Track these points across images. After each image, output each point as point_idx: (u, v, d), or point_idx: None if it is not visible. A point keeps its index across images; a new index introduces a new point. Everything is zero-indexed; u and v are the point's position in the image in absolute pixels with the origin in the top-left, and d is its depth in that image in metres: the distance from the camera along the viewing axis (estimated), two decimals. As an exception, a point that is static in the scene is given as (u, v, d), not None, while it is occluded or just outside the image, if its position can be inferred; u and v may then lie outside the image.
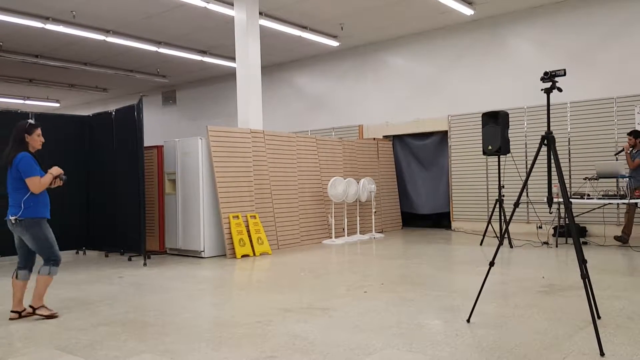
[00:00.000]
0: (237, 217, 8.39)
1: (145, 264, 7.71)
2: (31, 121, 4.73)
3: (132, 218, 7.99)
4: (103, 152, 8.65)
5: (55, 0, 9.61)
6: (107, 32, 11.42)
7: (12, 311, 4.66)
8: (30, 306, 4.63)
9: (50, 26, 10.62)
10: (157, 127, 17.68)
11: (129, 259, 8.28)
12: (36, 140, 4.67)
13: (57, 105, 19.84)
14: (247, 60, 9.30)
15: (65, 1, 9.66)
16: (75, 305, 5.15)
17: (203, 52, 13.32)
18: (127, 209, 8.15)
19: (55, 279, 6.66)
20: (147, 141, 9.84)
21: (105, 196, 8.61)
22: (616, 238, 8.41)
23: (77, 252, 9.38)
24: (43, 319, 4.60)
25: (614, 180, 8.56)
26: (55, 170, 4.68)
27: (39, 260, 4.75)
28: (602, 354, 3.29)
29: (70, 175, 8.58)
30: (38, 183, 4.51)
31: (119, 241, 8.47)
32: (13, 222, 4.51)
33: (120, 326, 4.33)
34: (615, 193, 8.28)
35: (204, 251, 8.31)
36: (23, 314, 4.67)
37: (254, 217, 8.63)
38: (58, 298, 5.53)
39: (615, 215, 9.51)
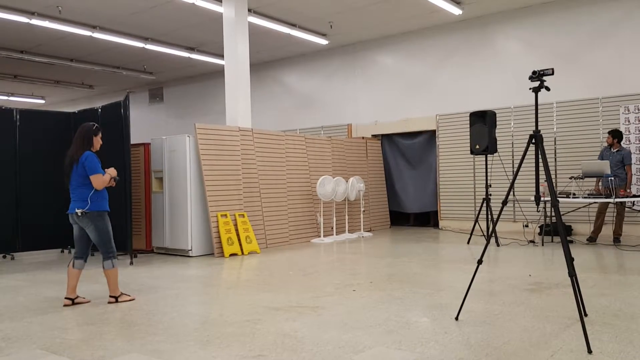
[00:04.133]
0: (226, 215, 8.35)
1: (131, 263, 7.64)
2: (96, 124, 5.18)
3: (118, 216, 7.90)
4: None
5: (40, -4, 9.50)
6: (93, 27, 11.30)
7: (66, 298, 5.07)
8: (111, 296, 5.09)
9: (35, 21, 10.48)
10: (144, 124, 17.55)
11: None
12: (99, 141, 5.15)
13: (43, 101, 19.61)
14: (236, 58, 9.25)
15: (51, -4, 9.55)
16: (60, 305, 5.08)
17: (191, 49, 13.24)
18: (113, 207, 8.05)
19: (40, 279, 6.62)
20: (134, 139, 9.80)
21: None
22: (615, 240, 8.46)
23: (62, 251, 9.27)
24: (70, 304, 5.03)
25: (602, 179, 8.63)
26: (113, 171, 5.12)
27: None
28: (589, 351, 3.31)
29: (54, 172, 8.51)
30: (101, 180, 4.95)
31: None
32: (79, 214, 4.92)
33: (107, 325, 4.28)
34: (602, 192, 8.36)
35: (191, 250, 8.26)
36: (76, 301, 5.08)
37: (243, 215, 8.60)
38: (42, 297, 5.46)
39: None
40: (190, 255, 8.25)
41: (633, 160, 9.13)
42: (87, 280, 6.40)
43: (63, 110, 9.23)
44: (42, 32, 11.55)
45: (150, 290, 5.68)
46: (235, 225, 8.45)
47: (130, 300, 5.17)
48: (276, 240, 9.33)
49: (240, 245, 8.36)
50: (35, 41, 12.27)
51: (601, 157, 8.64)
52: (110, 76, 15.94)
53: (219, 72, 15.15)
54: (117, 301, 5.09)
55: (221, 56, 12.85)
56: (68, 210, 5.04)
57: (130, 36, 11.98)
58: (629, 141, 9.42)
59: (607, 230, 8.67)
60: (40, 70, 15.02)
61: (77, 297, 5.13)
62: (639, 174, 9.32)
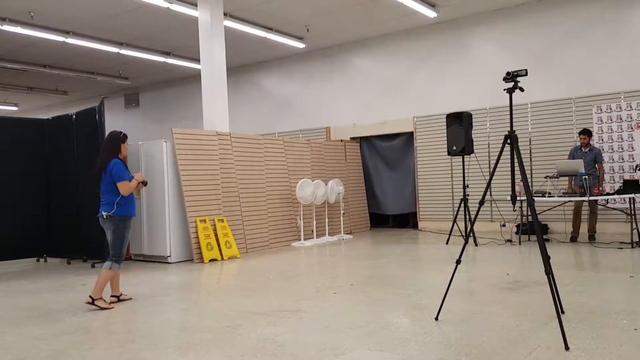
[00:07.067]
0: (205, 220, 8.28)
1: (109, 270, 7.52)
2: (124, 132, 5.49)
3: (94, 224, 7.77)
4: (63, 156, 8.41)
5: (12, 0, 9.31)
6: (66, 33, 11.13)
7: (111, 295, 5.42)
8: (90, 297, 5.16)
9: (7, 27, 10.28)
10: (119, 130, 17.31)
11: (92, 266, 8.07)
12: (125, 148, 5.48)
13: (16, 108, 19.25)
14: (212, 62, 9.20)
15: (23, 1, 9.37)
16: (36, 315, 4.99)
17: (166, 54, 13.13)
18: (89, 214, 7.94)
19: (16, 288, 6.49)
20: (110, 145, 9.66)
21: (66, 201, 8.38)
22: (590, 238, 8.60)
23: (37, 260, 9.10)
24: (98, 309, 5.12)
25: (574, 178, 8.77)
26: (140, 177, 5.39)
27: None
28: (566, 348, 3.36)
29: (29, 179, 8.36)
30: (127, 187, 5.22)
31: (81, 248, 8.24)
32: (105, 217, 5.18)
33: (84, 334, 4.22)
34: (575, 191, 8.50)
35: (170, 256, 8.17)
36: (121, 297, 5.46)
37: (222, 220, 8.54)
38: (19, 307, 5.35)
39: (576, 212, 9.76)
40: (169, 261, 8.16)
41: (605, 159, 9.32)
42: (64, 288, 6.29)
43: (37, 117, 9.07)
44: (14, 38, 11.33)
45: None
46: (215, 230, 8.40)
47: (107, 308, 5.14)
48: (256, 244, 9.29)
49: (220, 250, 8.30)
50: (7, 47, 12.04)
51: (572, 157, 8.75)
52: (84, 82, 15.72)
53: (195, 76, 15.04)
54: (93, 303, 5.12)
55: (197, 60, 12.77)
56: (98, 214, 5.29)
57: (105, 41, 11.83)
58: (602, 140, 9.61)
59: (583, 229, 8.82)
60: (13, 76, 14.74)
61: (122, 293, 5.50)
62: (612, 172, 9.50)
